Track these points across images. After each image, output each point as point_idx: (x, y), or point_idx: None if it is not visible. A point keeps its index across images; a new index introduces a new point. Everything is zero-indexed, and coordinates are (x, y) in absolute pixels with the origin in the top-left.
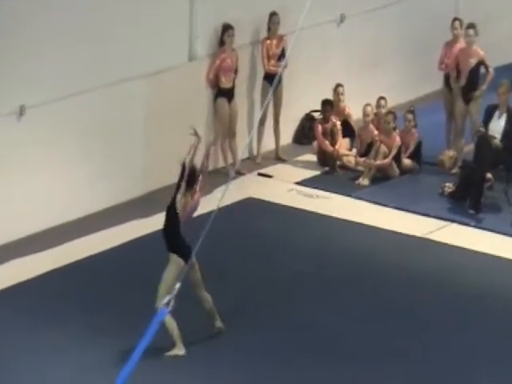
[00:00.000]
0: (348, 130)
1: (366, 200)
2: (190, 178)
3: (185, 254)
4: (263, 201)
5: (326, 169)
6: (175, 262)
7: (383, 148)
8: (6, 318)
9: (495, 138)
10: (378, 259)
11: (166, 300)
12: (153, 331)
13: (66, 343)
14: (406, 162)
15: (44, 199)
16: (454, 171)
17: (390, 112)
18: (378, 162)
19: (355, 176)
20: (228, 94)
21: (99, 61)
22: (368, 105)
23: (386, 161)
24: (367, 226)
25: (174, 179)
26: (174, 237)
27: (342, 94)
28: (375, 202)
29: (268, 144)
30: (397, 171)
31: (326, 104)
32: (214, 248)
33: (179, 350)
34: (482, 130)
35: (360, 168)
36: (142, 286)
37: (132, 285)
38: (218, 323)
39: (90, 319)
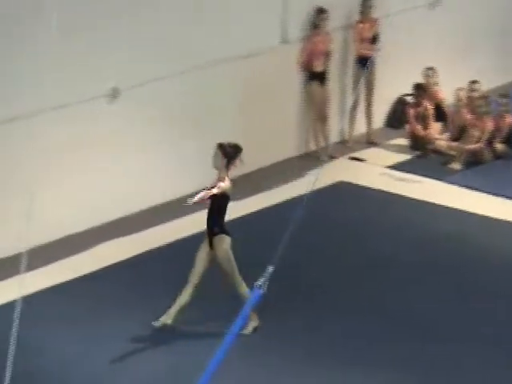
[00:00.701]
0: (440, 114)
1: (458, 184)
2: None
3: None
4: (355, 185)
5: (418, 153)
6: (226, 242)
7: (476, 132)
8: (104, 294)
9: None
10: (469, 244)
11: (260, 282)
12: (245, 314)
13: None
14: (499, 146)
15: (136, 182)
16: None
17: (482, 96)
18: (471, 147)
19: (447, 160)
20: (320, 77)
21: (192, 43)
22: (461, 89)
23: (479, 145)
24: (459, 210)
25: (268, 161)
26: (222, 217)
27: (434, 78)
28: (467, 187)
29: (360, 128)
30: (489, 156)
31: (419, 88)
32: (305, 231)
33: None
34: None
35: (452, 152)
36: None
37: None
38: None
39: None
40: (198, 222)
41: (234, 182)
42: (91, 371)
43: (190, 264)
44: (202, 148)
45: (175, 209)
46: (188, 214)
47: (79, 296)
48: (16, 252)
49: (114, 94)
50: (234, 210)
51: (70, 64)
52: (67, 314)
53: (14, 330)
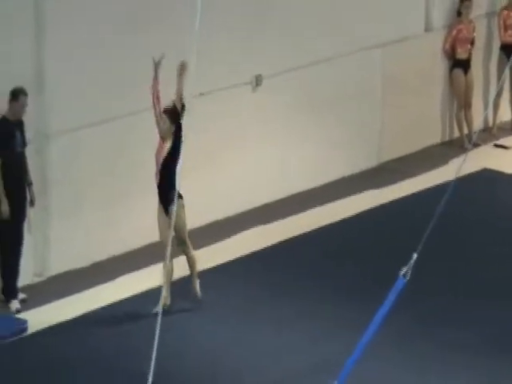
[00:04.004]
0: None
1: None
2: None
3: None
4: (499, 172)
5: None
6: (182, 206)
7: None
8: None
9: None
10: None
11: (404, 270)
12: (389, 304)
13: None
14: None
15: (277, 170)
16: None
17: None
18: None
19: None
20: (464, 64)
21: (336, 30)
22: None
23: None
24: None
25: (411, 148)
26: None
27: None
28: None
29: (504, 115)
30: None
31: None
32: (449, 219)
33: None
34: None
35: None
36: (363, 260)
37: (353, 258)
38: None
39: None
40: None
41: (374, 171)
42: (236, 367)
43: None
44: (344, 135)
45: (319, 196)
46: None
47: (222, 284)
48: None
49: (257, 82)
50: (378, 198)
51: (214, 54)
52: (209, 302)
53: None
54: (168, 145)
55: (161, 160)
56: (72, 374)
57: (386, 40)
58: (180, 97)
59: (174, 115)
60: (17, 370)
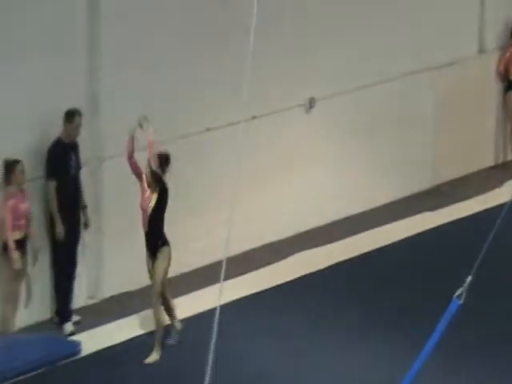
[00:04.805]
0: None
1: None
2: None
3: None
4: None
5: None
6: (167, 253)
7: None
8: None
9: None
10: None
11: (458, 292)
12: (443, 327)
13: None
14: None
15: (329, 192)
16: None
17: None
18: None
19: None
20: None
21: (384, 53)
22: None
23: None
24: None
25: (464, 171)
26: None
27: None
28: None
29: None
30: None
31: None
32: (503, 240)
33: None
34: None
35: None
36: (416, 282)
37: (407, 280)
38: (177, 323)
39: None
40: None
41: (427, 194)
42: None
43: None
44: (397, 158)
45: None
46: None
47: (275, 307)
48: (218, 259)
49: (310, 104)
50: (431, 220)
51: (267, 73)
52: (266, 325)
53: (213, 338)
54: (153, 196)
55: (148, 210)
56: None
57: (439, 62)
58: (154, 153)
59: (157, 177)
60: None
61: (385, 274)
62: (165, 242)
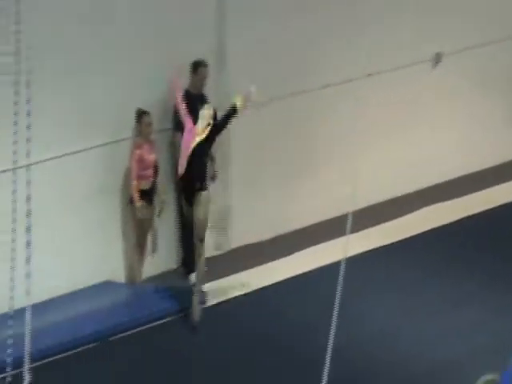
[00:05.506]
0: None
1: None
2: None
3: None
4: None
5: None
6: (206, 199)
7: None
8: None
9: None
10: None
11: None
12: None
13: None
14: None
15: (455, 148)
16: None
17: None
18: None
19: None
20: None
21: None
22: None
23: None
24: None
25: None
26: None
27: None
28: None
29: None
30: None
31: None
32: None
33: None
34: None
35: None
36: None
37: None
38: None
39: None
40: None
41: None
42: (408, 344)
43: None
44: None
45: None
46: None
47: (400, 262)
48: (342, 213)
49: (437, 59)
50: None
51: (396, 30)
52: (391, 280)
53: (337, 292)
54: (199, 134)
55: (190, 147)
56: (252, 345)
57: None
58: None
59: (214, 112)
60: (197, 341)
61: (493, 236)
62: (204, 187)
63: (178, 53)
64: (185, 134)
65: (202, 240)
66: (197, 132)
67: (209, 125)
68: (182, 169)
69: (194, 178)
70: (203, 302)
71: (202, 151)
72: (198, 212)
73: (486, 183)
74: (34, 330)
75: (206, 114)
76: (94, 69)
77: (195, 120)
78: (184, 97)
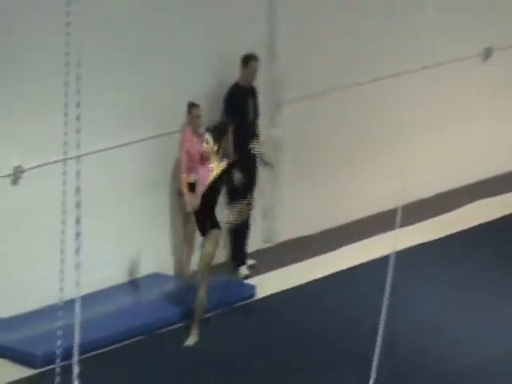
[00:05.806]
0: None
1: None
2: None
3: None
4: None
5: None
6: (217, 235)
7: None
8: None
9: None
10: None
11: None
12: None
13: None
14: None
15: (503, 143)
16: None
17: None
18: None
19: None
20: None
21: None
22: None
23: None
24: None
25: None
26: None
27: None
28: None
29: None
30: None
31: None
32: None
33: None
34: None
35: None
36: None
37: None
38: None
39: None
40: None
41: None
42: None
43: None
44: None
45: None
46: None
47: (448, 256)
48: (390, 208)
49: (487, 54)
50: None
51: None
52: (439, 274)
53: (387, 285)
54: (214, 169)
55: (206, 183)
56: (300, 340)
57: None
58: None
59: (221, 134)
60: (245, 334)
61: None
62: (214, 225)
63: (229, 46)
64: (201, 168)
65: (202, 275)
66: (211, 168)
67: (218, 151)
68: (196, 203)
69: (205, 217)
70: (251, 295)
71: (216, 188)
72: (208, 244)
73: None
74: (83, 321)
75: (207, 139)
76: (145, 60)
77: (246, 113)
78: (234, 90)
